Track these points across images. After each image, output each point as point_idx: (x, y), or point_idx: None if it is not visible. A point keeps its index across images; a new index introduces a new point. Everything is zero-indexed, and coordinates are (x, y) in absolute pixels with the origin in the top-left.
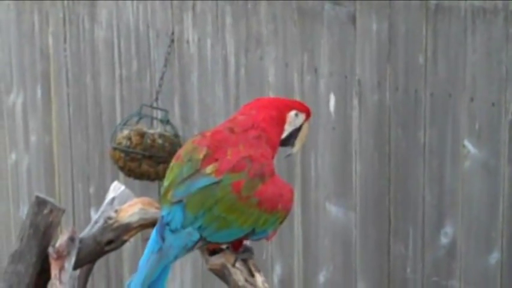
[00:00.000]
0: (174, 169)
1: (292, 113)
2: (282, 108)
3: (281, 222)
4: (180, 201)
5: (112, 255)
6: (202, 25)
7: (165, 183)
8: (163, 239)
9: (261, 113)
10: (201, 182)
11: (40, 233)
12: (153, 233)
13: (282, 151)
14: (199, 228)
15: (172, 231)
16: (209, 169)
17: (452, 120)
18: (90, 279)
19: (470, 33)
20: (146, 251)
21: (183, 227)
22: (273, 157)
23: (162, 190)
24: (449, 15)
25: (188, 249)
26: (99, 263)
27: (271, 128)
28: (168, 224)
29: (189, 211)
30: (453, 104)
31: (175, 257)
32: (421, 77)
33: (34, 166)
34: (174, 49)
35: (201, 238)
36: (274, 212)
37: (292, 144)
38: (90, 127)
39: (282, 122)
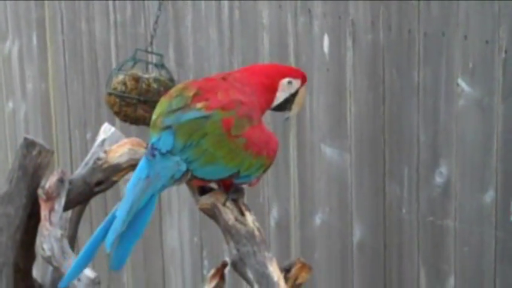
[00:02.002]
0: (163, 103)
1: (285, 80)
2: (274, 76)
3: (264, 171)
4: (169, 127)
5: (110, 203)
6: None
7: (153, 116)
8: (151, 165)
9: (252, 79)
10: (191, 114)
11: (29, 175)
12: (142, 160)
13: (280, 115)
14: (187, 160)
15: (162, 154)
16: (199, 105)
17: (446, 59)
18: (88, 227)
19: None
20: (133, 177)
21: (172, 152)
22: (259, 117)
23: (151, 123)
24: None
25: (175, 180)
26: (98, 211)
27: (261, 93)
28: (157, 148)
29: (178, 138)
30: (447, 42)
31: (163, 186)
32: (414, 16)
33: (31, 114)
34: None
35: (188, 170)
36: (259, 156)
37: (290, 109)
38: (85, 73)
39: (273, 89)
